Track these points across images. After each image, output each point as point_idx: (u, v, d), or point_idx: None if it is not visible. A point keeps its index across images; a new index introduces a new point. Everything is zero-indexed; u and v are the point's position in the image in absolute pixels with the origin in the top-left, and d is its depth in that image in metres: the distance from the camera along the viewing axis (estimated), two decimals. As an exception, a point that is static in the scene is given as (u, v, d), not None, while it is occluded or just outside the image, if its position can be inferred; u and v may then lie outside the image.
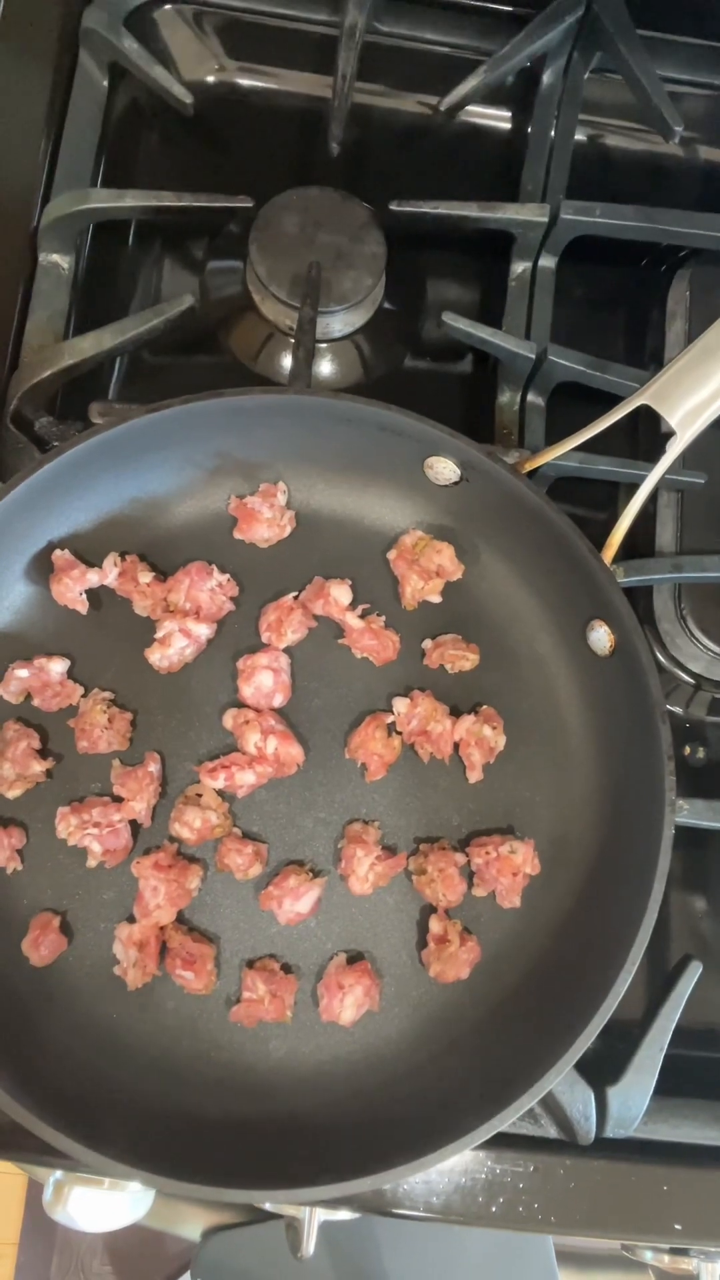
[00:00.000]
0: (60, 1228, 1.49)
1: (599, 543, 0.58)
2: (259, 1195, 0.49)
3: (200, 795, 0.60)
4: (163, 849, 0.59)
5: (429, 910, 0.59)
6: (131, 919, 0.57)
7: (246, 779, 0.59)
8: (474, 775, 0.61)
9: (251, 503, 0.63)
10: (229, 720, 0.61)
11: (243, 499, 0.63)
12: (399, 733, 0.61)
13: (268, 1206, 0.59)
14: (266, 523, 0.63)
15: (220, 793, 0.60)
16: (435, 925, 0.58)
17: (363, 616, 0.62)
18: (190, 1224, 0.79)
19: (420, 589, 0.63)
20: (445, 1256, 0.85)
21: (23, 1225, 1.51)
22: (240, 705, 0.61)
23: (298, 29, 0.76)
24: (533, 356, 0.67)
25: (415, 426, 0.58)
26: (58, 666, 0.60)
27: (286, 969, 0.58)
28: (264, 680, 0.60)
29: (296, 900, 0.57)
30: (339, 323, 0.71)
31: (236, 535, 0.63)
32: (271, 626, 0.62)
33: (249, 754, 0.59)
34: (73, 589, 0.60)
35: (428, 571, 0.63)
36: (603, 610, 0.58)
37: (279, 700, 0.61)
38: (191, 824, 0.58)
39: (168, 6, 0.75)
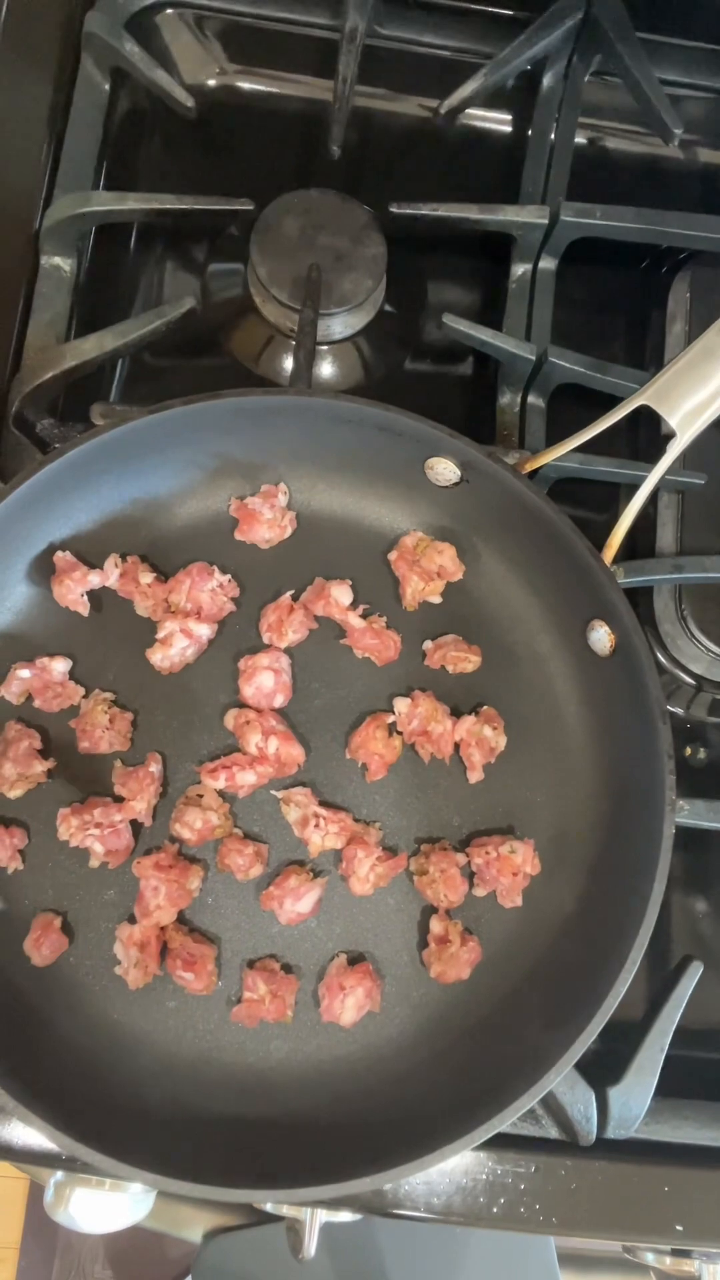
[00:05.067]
0: (61, 1231, 1.48)
1: (599, 544, 0.58)
2: (259, 1195, 0.49)
3: (201, 795, 0.60)
4: (164, 849, 0.59)
5: (430, 911, 0.59)
6: (132, 919, 0.57)
7: (247, 779, 0.59)
8: (474, 775, 0.61)
9: (252, 504, 0.63)
10: (230, 720, 0.61)
11: (243, 500, 0.63)
12: (400, 733, 0.61)
13: (268, 1208, 0.59)
14: (267, 524, 0.63)
15: (221, 793, 0.60)
16: (436, 926, 0.58)
17: (364, 617, 0.62)
18: (191, 1226, 0.78)
19: (421, 590, 0.63)
20: (446, 1259, 0.84)
21: (24, 1229, 1.50)
22: (241, 705, 0.61)
23: (298, 33, 0.76)
24: (533, 358, 0.67)
25: (415, 427, 0.58)
26: (59, 667, 0.60)
27: (287, 969, 0.58)
28: (265, 681, 0.60)
29: (297, 900, 0.58)
30: (340, 325, 0.71)
31: (237, 536, 0.64)
32: (272, 627, 0.62)
33: (250, 754, 0.59)
34: (74, 590, 0.60)
35: (429, 572, 0.63)
36: (603, 610, 0.58)
37: (280, 700, 0.61)
38: (192, 824, 0.58)
39: (169, 11, 0.75)
